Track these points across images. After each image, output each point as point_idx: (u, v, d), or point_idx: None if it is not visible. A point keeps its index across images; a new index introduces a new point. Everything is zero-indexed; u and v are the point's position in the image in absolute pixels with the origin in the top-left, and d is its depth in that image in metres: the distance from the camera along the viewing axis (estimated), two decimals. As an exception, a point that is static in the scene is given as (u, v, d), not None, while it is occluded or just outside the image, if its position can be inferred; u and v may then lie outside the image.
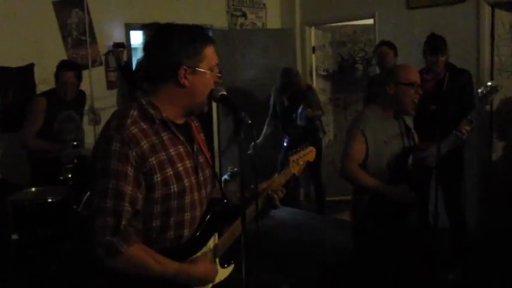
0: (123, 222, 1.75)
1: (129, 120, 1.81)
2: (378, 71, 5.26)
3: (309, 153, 2.29)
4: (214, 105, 5.85)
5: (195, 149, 1.98)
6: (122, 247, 1.74)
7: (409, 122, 3.29)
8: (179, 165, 1.88)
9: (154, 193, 1.82)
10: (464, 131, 3.21)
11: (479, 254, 4.38)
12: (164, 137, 1.86)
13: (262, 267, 2.03)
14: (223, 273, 2.08)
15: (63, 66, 4.40)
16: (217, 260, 2.05)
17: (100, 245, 1.74)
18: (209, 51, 1.89)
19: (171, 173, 1.84)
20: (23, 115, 4.41)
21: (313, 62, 6.72)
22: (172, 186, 1.84)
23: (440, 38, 4.25)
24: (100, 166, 1.78)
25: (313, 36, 6.69)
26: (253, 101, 6.10)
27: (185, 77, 1.85)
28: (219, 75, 1.94)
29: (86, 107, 4.98)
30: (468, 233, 4.44)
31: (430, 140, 3.27)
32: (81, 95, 4.69)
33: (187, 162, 1.92)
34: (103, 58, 5.40)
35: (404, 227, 3.15)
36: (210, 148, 5.76)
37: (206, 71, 1.88)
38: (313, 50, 6.70)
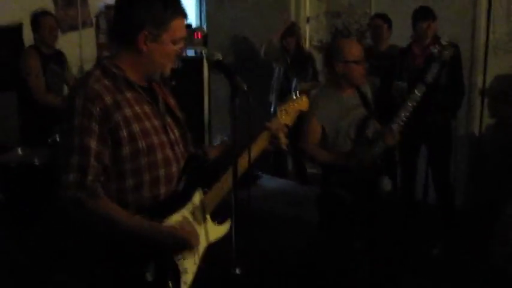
0: (89, 178, 1.75)
1: (92, 78, 1.82)
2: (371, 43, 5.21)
3: (300, 102, 2.23)
4: (205, 71, 5.84)
5: (161, 109, 1.97)
6: (87, 202, 1.74)
7: (367, 90, 3.34)
8: (146, 122, 1.87)
9: (123, 150, 1.81)
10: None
11: (465, 230, 4.42)
12: (128, 95, 1.86)
13: (250, 234, 2.02)
14: (217, 231, 2.05)
15: (40, 13, 4.37)
16: (208, 216, 2.01)
17: (65, 199, 1.75)
18: (177, 23, 1.87)
19: (137, 128, 1.83)
20: (14, 74, 4.34)
21: (307, 32, 6.64)
22: (140, 142, 1.83)
23: (429, 7, 4.23)
24: (65, 124, 1.79)
25: (308, 5, 6.60)
26: (249, 68, 6.05)
27: (144, 43, 1.83)
28: (181, 50, 1.92)
29: (76, 70, 4.90)
30: (456, 209, 4.47)
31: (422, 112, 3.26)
32: (61, 54, 4.61)
33: (154, 120, 1.91)
34: (94, 20, 5.30)
35: (373, 197, 3.15)
36: (201, 115, 5.74)
37: (167, 42, 1.86)
38: (308, 19, 6.62)
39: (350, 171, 3.06)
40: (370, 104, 3.27)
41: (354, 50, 3.16)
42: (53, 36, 4.36)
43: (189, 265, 1.92)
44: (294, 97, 2.22)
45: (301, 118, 3.08)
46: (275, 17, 5.84)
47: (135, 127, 1.83)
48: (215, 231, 2.04)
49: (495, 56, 4.88)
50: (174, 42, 1.88)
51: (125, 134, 1.81)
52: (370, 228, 3.15)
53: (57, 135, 3.69)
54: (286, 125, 2.17)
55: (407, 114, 3.05)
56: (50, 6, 4.97)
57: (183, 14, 1.89)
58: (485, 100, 4.90)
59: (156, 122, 1.91)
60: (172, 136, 1.97)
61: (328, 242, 3.26)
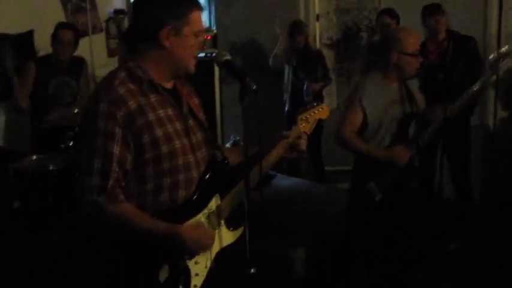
0: (110, 182, 1.75)
1: (116, 81, 1.81)
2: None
3: (320, 111, 2.23)
4: (216, 72, 5.84)
5: (185, 112, 1.96)
6: (107, 206, 1.74)
7: (412, 85, 3.27)
8: (169, 126, 1.86)
9: (145, 154, 1.81)
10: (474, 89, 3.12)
11: (482, 225, 4.37)
12: (152, 99, 1.85)
13: (265, 234, 2.02)
14: (230, 236, 2.05)
15: (62, 25, 4.32)
16: (222, 222, 2.01)
17: (86, 203, 1.75)
18: (195, 16, 1.87)
19: (161, 133, 1.83)
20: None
21: (317, 30, 6.62)
22: (162, 147, 1.83)
23: (435, 3, 4.20)
24: (88, 126, 1.79)
25: (317, 3, 6.57)
26: (258, 68, 6.03)
27: (167, 38, 1.83)
28: (203, 42, 1.94)
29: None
30: (473, 204, 4.42)
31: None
32: (79, 62, 4.56)
33: (177, 124, 1.90)
34: (103, 25, 5.32)
35: (404, 195, 3.13)
36: (212, 116, 5.73)
37: (189, 35, 1.86)
38: (317, 17, 6.59)
39: (384, 167, 3.04)
40: (414, 101, 3.20)
41: (412, 41, 3.06)
42: (66, 52, 4.29)
43: (201, 269, 1.93)
44: (315, 105, 2.22)
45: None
46: (284, 16, 5.81)
47: (158, 132, 1.82)
48: (228, 236, 2.04)
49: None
50: (195, 35, 1.88)
51: (148, 139, 1.80)
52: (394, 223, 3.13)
53: (69, 141, 3.71)
54: (305, 133, 2.16)
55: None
56: (60, 13, 5.01)
57: (199, 7, 1.90)
58: (499, 91, 4.85)
59: (179, 126, 1.90)
60: (194, 139, 1.96)
61: (353, 235, 3.24)
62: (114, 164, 1.75)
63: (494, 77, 3.34)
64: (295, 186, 5.35)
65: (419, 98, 3.28)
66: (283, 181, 5.34)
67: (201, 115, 2.06)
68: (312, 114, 2.20)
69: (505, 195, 4.80)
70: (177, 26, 1.83)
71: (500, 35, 4.77)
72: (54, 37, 4.26)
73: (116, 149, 1.75)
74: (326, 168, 6.09)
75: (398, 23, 4.79)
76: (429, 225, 3.91)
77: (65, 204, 3.77)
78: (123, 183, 1.80)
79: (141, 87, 1.83)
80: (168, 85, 1.94)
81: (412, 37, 3.09)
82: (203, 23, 1.91)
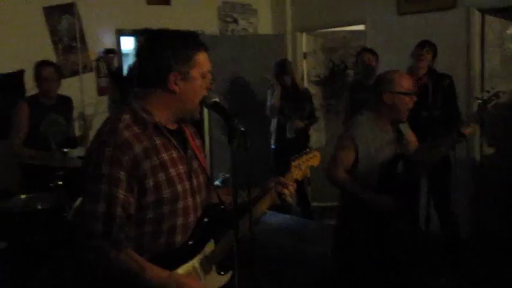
0: (115, 228, 1.74)
1: (121, 124, 1.80)
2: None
3: (312, 158, 2.25)
4: (205, 111, 5.89)
5: (189, 154, 1.96)
6: (111, 253, 1.73)
7: (404, 127, 3.30)
8: (172, 170, 1.86)
9: (146, 198, 1.80)
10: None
11: (472, 257, 4.39)
12: (157, 142, 1.85)
13: (256, 274, 2.02)
14: (219, 280, 2.05)
15: (40, 64, 4.32)
16: (213, 267, 2.02)
17: (89, 249, 1.74)
18: (201, 58, 1.88)
19: (164, 178, 1.82)
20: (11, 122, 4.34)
21: (305, 68, 6.73)
22: (164, 192, 1.82)
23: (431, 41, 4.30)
24: (92, 170, 1.77)
25: (304, 41, 6.70)
26: (246, 107, 6.07)
27: (175, 83, 1.83)
28: (211, 82, 1.92)
29: (76, 114, 4.93)
30: (459, 236, 4.44)
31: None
32: (66, 101, 4.59)
33: (180, 167, 1.90)
34: (94, 64, 5.38)
35: (388, 231, 3.15)
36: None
37: (197, 77, 1.86)
38: (304, 55, 6.72)
39: (372, 208, 3.05)
40: (404, 143, 3.23)
41: (404, 81, 3.10)
42: (52, 87, 4.32)
43: None
44: (308, 152, 2.25)
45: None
46: (272, 55, 5.90)
47: (161, 176, 1.82)
48: (216, 280, 2.04)
49: (491, 84, 4.92)
50: (203, 76, 1.88)
51: (151, 183, 1.80)
52: (382, 261, 3.14)
53: (58, 181, 3.71)
54: (297, 180, 2.17)
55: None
56: (51, 53, 5.05)
57: (204, 47, 1.90)
58: (483, 126, 4.92)
59: (182, 169, 1.90)
60: (195, 183, 1.96)
61: (340, 272, 3.24)
62: (119, 208, 1.74)
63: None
64: (284, 223, 5.34)
65: (412, 138, 3.33)
66: (272, 218, 5.33)
67: (202, 157, 2.07)
68: (305, 161, 2.22)
69: (492, 229, 4.82)
70: (184, 70, 1.83)
71: (483, 74, 4.89)
72: (37, 76, 4.30)
73: (121, 194, 1.74)
74: (314, 204, 6.10)
75: (377, 60, 4.90)
76: (418, 260, 3.92)
77: (53, 244, 3.75)
78: (126, 229, 1.79)
79: (145, 130, 1.83)
80: (173, 127, 1.94)
81: (405, 78, 3.14)
82: (209, 63, 1.91)
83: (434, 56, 4.30)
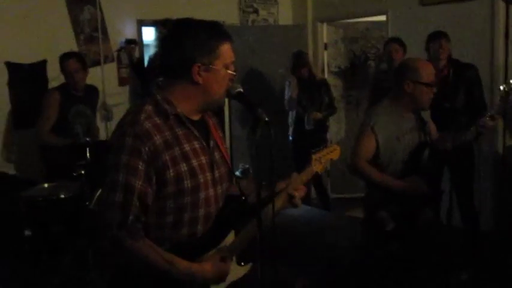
0: (131, 217, 1.75)
1: (143, 115, 1.81)
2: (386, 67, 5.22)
3: (333, 152, 2.24)
4: (225, 101, 5.88)
5: (211, 145, 1.96)
6: (126, 242, 1.75)
7: (425, 114, 3.26)
8: (194, 161, 1.86)
9: (167, 188, 1.81)
10: (490, 123, 3.08)
11: (493, 254, 4.34)
12: (179, 133, 1.85)
13: (276, 265, 2.03)
14: (239, 271, 2.06)
15: (63, 57, 4.36)
16: (233, 257, 2.03)
17: (105, 238, 1.75)
18: (225, 48, 1.87)
19: (185, 168, 1.83)
20: (36, 111, 4.38)
21: (325, 59, 6.69)
22: (186, 182, 1.83)
23: (441, 31, 4.26)
24: (112, 160, 1.78)
25: (325, 32, 6.66)
26: (265, 98, 6.07)
27: (199, 74, 1.83)
28: (234, 73, 1.91)
29: (98, 103, 4.98)
30: (482, 232, 4.40)
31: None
32: (93, 91, 4.65)
33: (202, 158, 1.90)
34: (115, 55, 5.41)
35: (416, 223, 3.12)
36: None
37: (220, 68, 1.85)
38: (325, 46, 6.68)
39: (398, 197, 3.03)
40: (426, 130, 3.20)
41: (428, 72, 3.05)
42: (78, 79, 4.35)
43: None
44: (328, 146, 2.24)
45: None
46: (292, 46, 5.88)
47: (183, 166, 1.82)
48: (236, 271, 2.04)
49: (515, 76, 4.85)
50: (226, 67, 1.87)
51: (172, 174, 1.80)
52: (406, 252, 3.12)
53: (81, 170, 3.75)
54: (317, 173, 2.16)
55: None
56: (72, 43, 5.09)
57: (228, 38, 1.89)
58: (506, 118, 4.85)
59: (204, 159, 1.90)
60: (217, 174, 1.96)
61: (367, 262, 3.24)
62: (135, 198, 1.75)
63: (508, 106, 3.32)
64: (304, 214, 5.34)
65: (432, 127, 3.29)
66: (292, 209, 5.34)
67: (224, 148, 2.06)
68: (326, 154, 2.21)
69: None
70: (207, 61, 1.82)
71: (507, 65, 4.81)
72: (63, 70, 4.35)
73: (138, 184, 1.75)
74: (332, 196, 6.08)
75: (405, 51, 4.84)
76: (440, 255, 3.89)
77: (75, 232, 3.80)
78: (143, 218, 1.80)
79: (167, 120, 1.83)
80: (196, 117, 1.94)
81: (428, 68, 3.08)
82: (232, 54, 1.90)
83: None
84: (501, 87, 3.15)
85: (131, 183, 1.75)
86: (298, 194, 2.05)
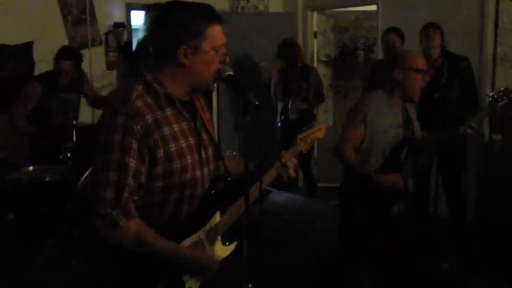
0: (125, 196, 1.74)
1: (134, 94, 1.79)
2: (380, 56, 5.22)
3: (318, 131, 2.27)
4: (214, 85, 5.86)
5: (199, 126, 1.96)
6: (121, 221, 1.74)
7: (411, 111, 3.27)
8: (182, 141, 1.86)
9: (156, 168, 1.80)
10: (469, 130, 3.11)
11: (476, 245, 4.39)
12: (168, 113, 1.84)
13: (260, 244, 2.04)
14: (225, 250, 2.06)
15: (61, 55, 4.35)
16: (219, 237, 2.02)
17: (99, 216, 1.74)
18: (214, 31, 1.84)
19: (174, 148, 1.82)
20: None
21: (315, 47, 6.68)
22: (174, 162, 1.82)
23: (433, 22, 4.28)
24: (104, 139, 1.76)
25: (315, 21, 6.64)
26: (254, 85, 6.05)
27: (185, 57, 1.81)
28: (225, 56, 1.89)
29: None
30: (466, 223, 4.44)
31: (432, 128, 3.26)
32: (80, 76, 4.62)
33: (190, 139, 1.89)
34: (103, 38, 5.35)
35: (389, 214, 3.13)
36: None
37: (209, 50, 1.83)
38: (315, 35, 6.66)
39: (372, 189, 3.03)
40: (411, 128, 3.20)
41: (417, 59, 3.04)
42: (68, 77, 4.38)
43: (193, 283, 1.94)
44: (313, 125, 2.26)
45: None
46: (282, 34, 5.85)
47: (172, 147, 1.81)
48: (222, 251, 2.04)
49: (503, 68, 4.88)
50: (215, 49, 1.84)
51: (162, 153, 1.79)
52: (381, 242, 3.14)
53: (67, 153, 3.72)
54: (301, 152, 2.19)
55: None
56: (60, 25, 5.02)
57: (217, 20, 1.86)
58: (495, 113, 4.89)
59: (192, 140, 1.90)
60: (204, 155, 1.96)
61: (341, 251, 3.26)
62: (130, 177, 1.74)
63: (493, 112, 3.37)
64: (290, 202, 5.36)
65: (416, 127, 3.30)
66: (278, 197, 5.35)
67: (212, 130, 2.06)
68: (311, 134, 2.24)
69: (499, 214, 4.82)
70: (194, 43, 1.81)
71: (496, 56, 4.84)
72: (56, 63, 4.32)
73: (132, 162, 1.74)
74: (319, 184, 6.10)
75: (403, 41, 4.83)
76: (423, 244, 3.93)
77: (61, 215, 3.77)
78: (136, 198, 1.79)
79: (157, 100, 1.82)
80: (185, 98, 1.93)
81: (418, 56, 3.08)
82: (223, 36, 1.87)
83: (442, 35, 4.23)
84: (489, 94, 3.18)
85: (126, 162, 1.74)
86: (291, 164, 2.11)
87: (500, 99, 3.08)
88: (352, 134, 3.06)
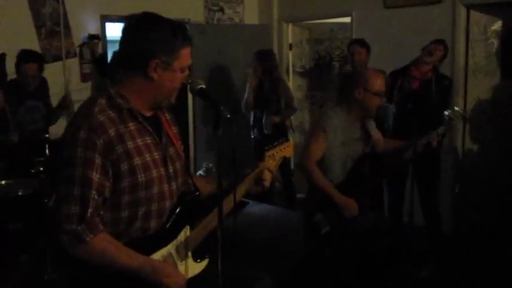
0: (90, 210, 1.74)
1: (96, 108, 1.80)
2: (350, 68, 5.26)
3: (286, 149, 2.30)
4: (190, 101, 5.86)
5: (164, 141, 1.96)
6: (87, 236, 1.73)
7: (371, 126, 3.34)
8: (147, 155, 1.86)
9: (122, 182, 1.80)
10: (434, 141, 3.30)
11: (453, 252, 4.43)
12: (131, 127, 1.85)
13: (236, 262, 2.03)
14: (196, 267, 2.06)
15: (23, 58, 4.30)
16: (189, 253, 2.02)
17: (65, 233, 1.73)
18: (185, 52, 1.88)
19: (139, 162, 1.83)
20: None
21: (290, 59, 6.72)
22: (139, 176, 1.82)
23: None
24: (67, 153, 1.76)
25: (290, 32, 6.68)
26: (230, 97, 6.06)
27: (155, 71, 1.83)
28: (188, 78, 1.92)
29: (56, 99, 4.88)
30: (442, 231, 4.48)
31: (406, 136, 3.32)
32: (44, 83, 4.58)
33: (155, 153, 1.90)
34: (77, 50, 5.31)
35: (353, 226, 3.18)
36: (185, 142, 5.70)
37: (177, 69, 1.86)
38: (290, 46, 6.70)
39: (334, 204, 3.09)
40: (370, 141, 3.28)
41: (379, 82, 3.14)
42: (31, 82, 4.35)
43: None
44: (281, 143, 2.28)
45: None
46: (258, 45, 5.87)
47: (136, 161, 1.82)
48: (193, 267, 2.04)
49: (474, 80, 4.96)
50: (182, 70, 1.88)
51: (126, 167, 1.79)
52: (355, 253, 3.16)
53: (39, 167, 3.67)
54: (270, 171, 2.21)
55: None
56: (33, 37, 4.97)
57: (190, 42, 1.90)
58: (467, 124, 4.96)
59: (157, 155, 1.90)
60: (171, 169, 1.96)
61: (310, 265, 3.27)
62: (93, 191, 1.74)
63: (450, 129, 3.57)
64: (267, 213, 5.34)
65: (377, 135, 3.37)
66: (255, 208, 5.33)
67: (179, 144, 2.06)
68: (279, 151, 2.26)
69: (474, 222, 4.88)
70: (166, 60, 1.82)
71: (467, 67, 4.92)
72: (18, 69, 4.26)
73: (95, 177, 1.74)
74: (299, 195, 6.10)
75: (368, 52, 4.89)
76: (399, 253, 3.95)
77: (34, 230, 3.72)
78: (101, 212, 1.78)
79: (120, 114, 1.82)
80: (149, 113, 1.93)
81: (379, 78, 3.18)
82: (190, 59, 1.91)
83: (444, 57, 4.30)
84: (446, 112, 3.33)
85: (89, 176, 1.73)
86: (265, 176, 2.16)
87: (454, 118, 3.37)
88: (314, 150, 3.14)
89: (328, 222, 3.11)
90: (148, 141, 1.89)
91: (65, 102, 4.58)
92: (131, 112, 1.85)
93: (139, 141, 1.85)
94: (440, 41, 4.29)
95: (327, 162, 3.13)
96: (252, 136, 5.67)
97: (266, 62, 5.38)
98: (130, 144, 1.81)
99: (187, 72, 1.91)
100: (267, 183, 2.16)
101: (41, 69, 4.39)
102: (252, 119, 5.65)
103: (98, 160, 1.74)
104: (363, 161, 3.19)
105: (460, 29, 4.89)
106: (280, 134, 5.31)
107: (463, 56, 4.92)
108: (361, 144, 3.22)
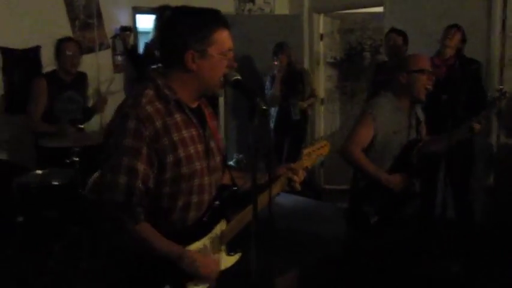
0: (134, 200, 1.76)
1: (144, 99, 1.81)
2: (386, 58, 5.20)
3: (323, 147, 2.26)
4: (222, 92, 5.86)
5: (207, 134, 1.96)
6: (129, 224, 1.75)
7: (419, 111, 3.28)
8: (191, 147, 1.86)
9: (165, 174, 1.81)
10: (477, 126, 3.14)
11: (484, 247, 4.36)
12: (178, 118, 1.85)
13: (264, 254, 2.03)
14: (228, 260, 2.07)
15: (64, 39, 4.39)
16: (223, 247, 2.03)
17: (108, 219, 1.76)
18: (220, 35, 1.85)
19: (183, 154, 1.83)
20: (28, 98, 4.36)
21: (321, 49, 6.67)
22: (183, 168, 1.83)
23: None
24: (114, 142, 1.78)
25: (321, 23, 6.62)
26: (260, 88, 6.04)
27: (193, 61, 1.82)
28: (231, 60, 1.89)
29: (91, 91, 4.95)
30: (474, 225, 4.42)
31: (441, 129, 3.26)
32: (82, 76, 4.63)
33: (199, 145, 1.90)
34: (110, 41, 5.37)
35: (399, 216, 3.14)
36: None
37: (216, 55, 1.84)
38: (321, 37, 6.65)
39: (384, 191, 3.04)
40: (420, 129, 3.24)
41: (418, 60, 3.10)
42: (73, 63, 4.37)
43: None
44: (319, 141, 2.27)
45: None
46: (288, 36, 5.85)
47: (181, 152, 1.83)
48: (226, 261, 2.05)
49: (510, 70, 4.85)
50: (222, 54, 1.85)
51: (171, 159, 1.81)
52: (391, 245, 3.14)
53: (74, 157, 3.73)
54: (306, 167, 2.18)
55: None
56: (67, 29, 5.04)
57: (224, 25, 1.87)
58: (501, 116, 4.86)
59: (200, 147, 1.91)
60: (212, 162, 1.97)
61: (351, 256, 3.25)
62: (139, 181, 1.76)
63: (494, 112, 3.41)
64: (300, 204, 5.34)
65: (425, 129, 3.32)
66: (285, 199, 5.34)
67: (219, 138, 2.07)
68: (316, 150, 2.23)
69: (507, 217, 4.79)
70: (201, 48, 1.81)
71: (503, 57, 4.81)
72: (59, 51, 4.32)
73: (141, 167, 1.76)
74: (326, 186, 6.10)
75: (406, 41, 4.81)
76: (431, 247, 3.91)
77: (69, 219, 3.79)
78: (144, 202, 1.80)
79: (167, 106, 1.83)
80: (194, 105, 1.94)
81: (419, 57, 3.13)
82: (230, 41, 1.88)
83: (464, 40, 4.22)
84: (489, 95, 3.22)
85: (135, 167, 1.75)
86: (298, 178, 2.10)
87: (498, 99, 3.18)
88: (361, 136, 3.07)
89: (375, 212, 3.06)
90: (194, 132, 1.89)
91: (100, 105, 4.64)
92: (178, 103, 1.86)
93: (184, 133, 1.85)
94: (454, 25, 4.20)
95: (377, 151, 3.07)
96: (272, 126, 5.74)
97: (285, 50, 5.61)
98: (175, 136, 1.82)
99: (230, 55, 1.88)
100: (298, 186, 2.11)
101: (80, 49, 4.46)
102: (272, 110, 5.75)
103: (144, 150, 1.76)
104: (412, 147, 3.13)
105: (495, 18, 4.77)
106: (303, 122, 5.69)
107: (499, 46, 4.80)
108: (411, 131, 3.15)
